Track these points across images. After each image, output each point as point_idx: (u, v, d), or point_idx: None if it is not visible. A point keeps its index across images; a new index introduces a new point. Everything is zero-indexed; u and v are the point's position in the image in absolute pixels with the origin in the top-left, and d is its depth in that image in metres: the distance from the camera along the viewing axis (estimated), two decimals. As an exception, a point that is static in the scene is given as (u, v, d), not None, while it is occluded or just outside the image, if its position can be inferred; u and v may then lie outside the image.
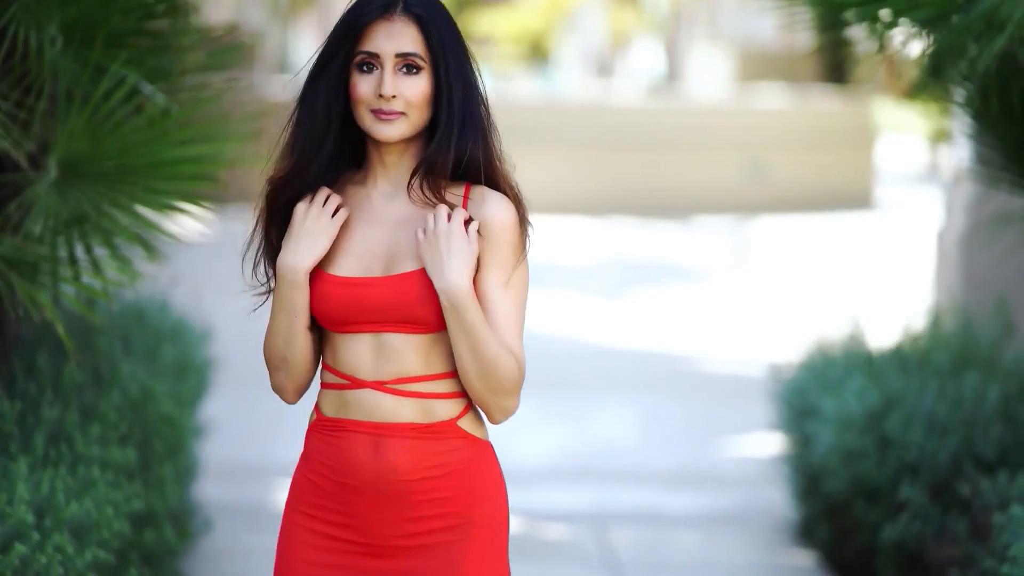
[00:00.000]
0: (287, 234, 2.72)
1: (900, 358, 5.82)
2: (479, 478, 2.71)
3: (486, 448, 2.74)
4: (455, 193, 2.69)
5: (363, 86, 2.66)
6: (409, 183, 2.70)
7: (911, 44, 4.72)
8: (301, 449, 2.81)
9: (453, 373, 2.70)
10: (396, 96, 2.64)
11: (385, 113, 2.65)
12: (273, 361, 2.77)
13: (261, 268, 2.79)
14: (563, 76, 43.06)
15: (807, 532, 6.20)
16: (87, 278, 4.16)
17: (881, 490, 5.28)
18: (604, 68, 45.80)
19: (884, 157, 21.91)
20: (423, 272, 2.66)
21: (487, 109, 2.70)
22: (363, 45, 2.65)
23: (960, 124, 5.46)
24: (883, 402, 5.43)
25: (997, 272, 6.96)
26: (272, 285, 2.76)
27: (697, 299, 12.48)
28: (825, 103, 20.45)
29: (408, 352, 2.68)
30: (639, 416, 8.51)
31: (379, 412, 2.68)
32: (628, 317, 11.60)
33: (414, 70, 2.66)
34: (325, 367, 2.76)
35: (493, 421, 2.73)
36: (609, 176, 17.30)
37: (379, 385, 2.68)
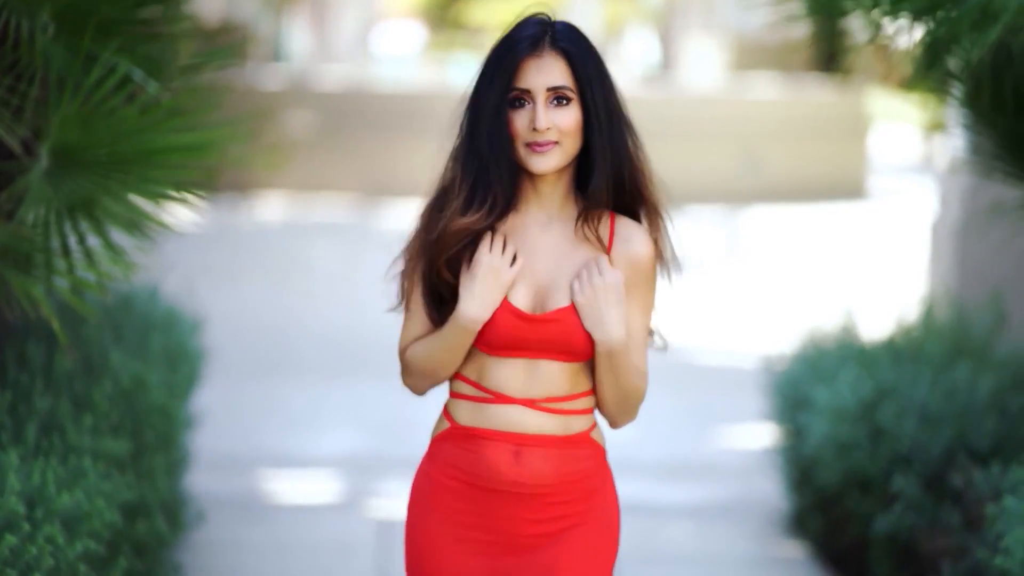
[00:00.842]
0: (467, 280, 2.85)
1: (893, 349, 5.82)
2: (600, 481, 2.97)
3: (604, 455, 3.00)
4: (603, 229, 2.88)
5: (518, 121, 2.81)
6: (576, 222, 2.88)
7: (905, 34, 4.71)
8: (424, 451, 3.00)
9: (591, 391, 2.94)
10: (550, 128, 2.80)
11: (540, 145, 2.81)
12: (421, 374, 2.96)
13: (398, 284, 2.98)
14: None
15: (800, 523, 6.19)
16: (81, 270, 4.14)
17: (874, 481, 5.28)
18: (598, 58, 45.69)
19: (878, 147, 21.92)
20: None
21: (634, 134, 2.91)
22: (516, 82, 2.80)
23: (954, 115, 5.45)
24: (876, 393, 5.43)
25: (991, 263, 6.96)
26: (427, 314, 2.94)
27: (690, 291, 12.49)
28: (819, 93, 20.46)
29: (560, 377, 2.90)
30: (632, 407, 8.50)
31: (523, 425, 2.89)
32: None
33: (564, 101, 2.82)
34: (464, 379, 2.95)
35: (615, 427, 3.01)
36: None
37: (529, 403, 2.90)
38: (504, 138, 2.80)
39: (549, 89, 2.81)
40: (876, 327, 6.38)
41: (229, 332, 9.12)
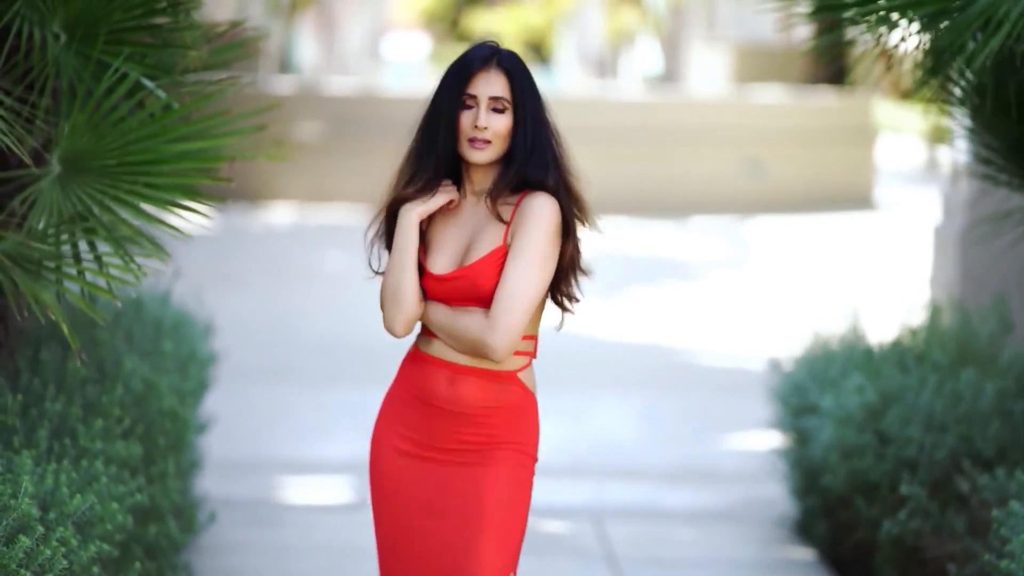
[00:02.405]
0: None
1: (899, 355, 5.84)
2: (521, 418, 3.59)
3: (531, 399, 3.61)
4: (509, 202, 3.55)
5: (465, 120, 3.53)
6: (485, 200, 3.57)
7: (910, 42, 4.74)
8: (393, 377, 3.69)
9: (522, 336, 3.55)
10: (487, 128, 3.51)
11: (478, 141, 3.52)
12: (386, 296, 3.59)
13: (375, 253, 3.63)
14: (563, 75, 43.06)
15: (806, 528, 6.22)
16: (91, 276, 4.18)
17: (880, 486, 5.30)
18: (603, 68, 45.78)
19: (884, 156, 21.94)
20: (487, 260, 3.52)
21: (558, 139, 3.58)
22: (467, 89, 3.53)
23: (958, 122, 5.48)
24: (882, 399, 5.46)
25: (995, 269, 6.98)
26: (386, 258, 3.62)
27: (695, 296, 12.51)
28: (825, 102, 20.47)
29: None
30: (637, 412, 8.53)
31: (458, 357, 3.57)
32: (626, 314, 11.63)
33: (501, 110, 3.54)
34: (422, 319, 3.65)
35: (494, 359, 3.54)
36: (606, 172, 17.32)
37: None
38: (453, 132, 3.53)
39: (491, 98, 3.52)
40: (881, 333, 6.41)
41: (239, 337, 9.16)
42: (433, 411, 3.58)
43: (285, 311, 11.49)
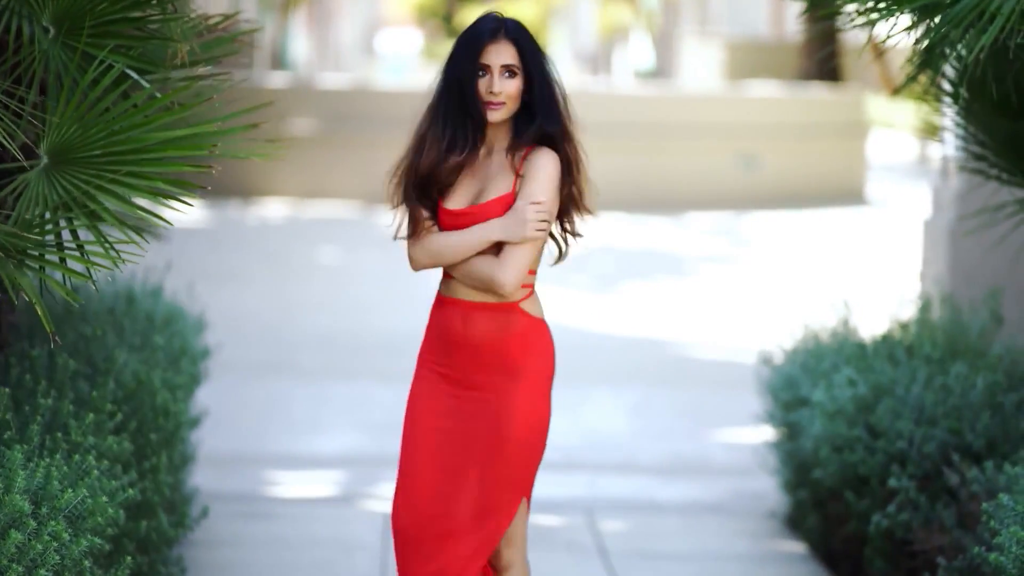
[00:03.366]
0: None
1: (889, 348, 5.86)
2: (532, 343, 4.03)
3: (539, 323, 4.05)
4: (519, 155, 4.01)
5: (481, 86, 3.97)
6: (505, 153, 4.03)
7: (902, 36, 4.75)
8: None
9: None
10: (500, 92, 3.97)
11: (493, 104, 3.97)
12: (432, 254, 4.05)
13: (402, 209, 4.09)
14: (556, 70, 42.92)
15: (796, 521, 6.24)
16: (73, 263, 4.19)
17: (870, 479, 5.32)
18: (596, 63, 45.77)
19: (875, 151, 21.96)
20: (497, 202, 3.99)
21: (564, 98, 4.04)
22: (480, 59, 3.97)
23: (949, 116, 5.49)
24: (872, 392, 5.47)
25: (985, 263, 7.00)
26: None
27: (687, 290, 12.53)
28: (818, 96, 20.50)
29: (492, 258, 4.00)
30: (629, 406, 8.55)
31: (468, 295, 4.02)
32: (618, 308, 11.64)
33: (511, 75, 3.98)
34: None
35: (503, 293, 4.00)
36: (599, 167, 17.30)
37: None
38: (476, 99, 3.97)
39: (502, 66, 3.97)
40: (872, 327, 6.43)
41: (233, 332, 9.16)
42: (454, 348, 4.03)
43: (280, 306, 11.50)
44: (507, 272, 3.95)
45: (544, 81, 4.02)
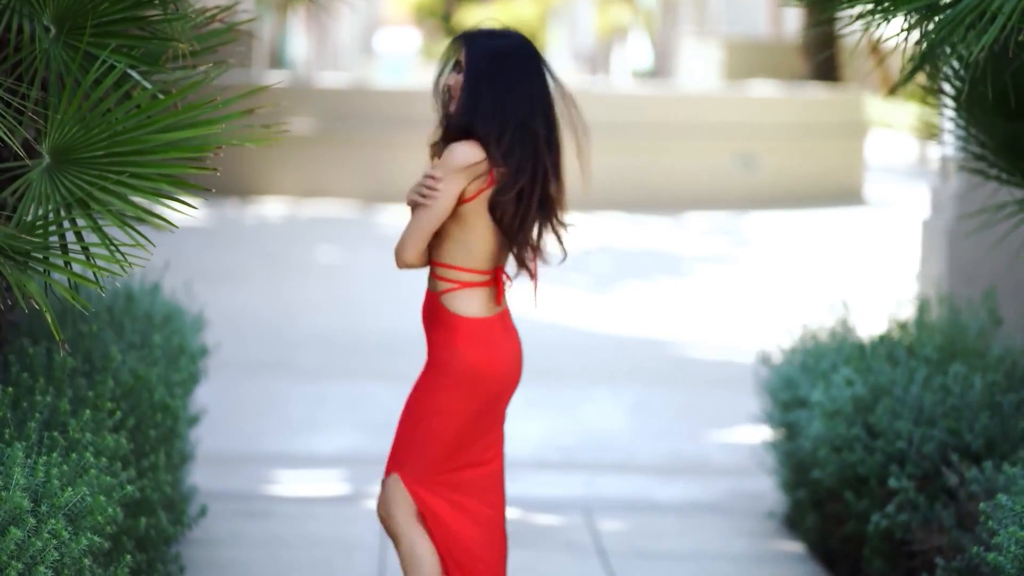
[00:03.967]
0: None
1: (888, 348, 5.86)
2: (448, 337, 4.08)
3: (457, 320, 4.07)
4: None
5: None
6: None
7: (901, 36, 4.74)
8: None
9: (444, 265, 4.08)
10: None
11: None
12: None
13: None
14: (554, 70, 42.92)
15: (795, 521, 6.24)
16: (78, 267, 4.18)
17: (868, 479, 5.32)
18: (595, 63, 45.78)
19: (873, 151, 21.96)
20: None
21: (517, 96, 4.13)
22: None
23: (948, 117, 5.49)
24: (871, 392, 5.47)
25: (983, 263, 7.01)
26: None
27: (686, 290, 12.53)
28: (817, 96, 20.50)
29: (430, 250, 4.12)
30: (628, 406, 8.55)
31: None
32: (617, 308, 11.65)
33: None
34: None
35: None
36: (597, 167, 17.31)
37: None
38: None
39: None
40: (871, 327, 6.43)
41: (232, 330, 9.17)
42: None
43: (278, 305, 11.50)
44: (398, 242, 4.07)
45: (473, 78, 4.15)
